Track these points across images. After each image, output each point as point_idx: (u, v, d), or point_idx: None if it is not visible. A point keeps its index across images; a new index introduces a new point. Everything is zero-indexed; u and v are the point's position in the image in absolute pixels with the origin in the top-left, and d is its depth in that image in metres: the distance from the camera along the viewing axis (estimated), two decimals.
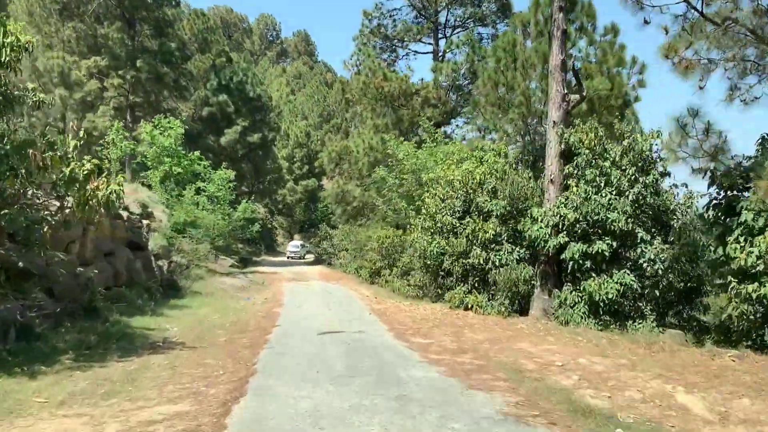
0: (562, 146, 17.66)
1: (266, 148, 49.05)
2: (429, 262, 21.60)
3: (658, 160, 16.71)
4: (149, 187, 30.10)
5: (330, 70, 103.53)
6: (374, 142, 35.50)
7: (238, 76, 47.55)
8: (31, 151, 10.07)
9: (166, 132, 27.85)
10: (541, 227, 17.21)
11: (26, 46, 10.77)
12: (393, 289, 30.20)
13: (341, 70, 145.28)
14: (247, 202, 41.21)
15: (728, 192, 14.07)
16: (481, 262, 19.05)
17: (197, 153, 29.50)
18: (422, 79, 40.14)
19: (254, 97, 49.35)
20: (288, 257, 57.98)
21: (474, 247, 19.29)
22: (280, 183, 69.65)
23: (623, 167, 16.44)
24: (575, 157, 17.53)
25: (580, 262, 16.10)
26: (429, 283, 22.61)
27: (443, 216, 20.79)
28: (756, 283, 12.26)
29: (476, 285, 19.81)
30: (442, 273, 21.53)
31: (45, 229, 11.19)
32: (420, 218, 22.54)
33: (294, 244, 61.84)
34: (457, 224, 20.28)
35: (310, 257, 60.42)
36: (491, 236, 18.92)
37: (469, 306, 19.05)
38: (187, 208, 27.51)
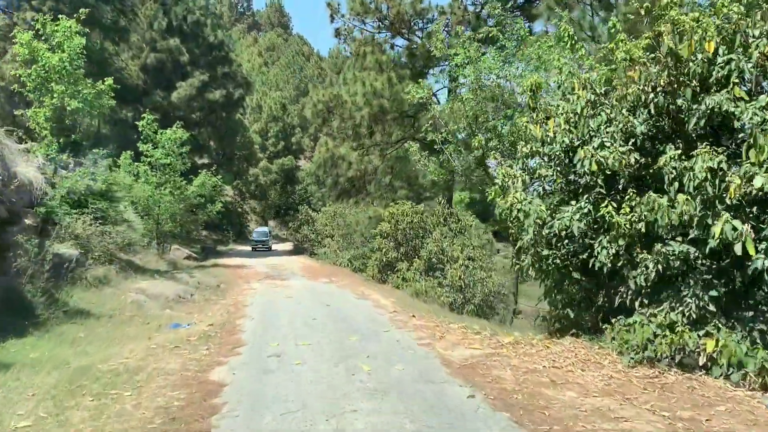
0: None
1: (232, 109, 37.73)
2: (548, 254, 9.99)
3: None
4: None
5: (306, 44, 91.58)
6: (379, 83, 24.44)
7: (193, 15, 35.96)
8: None
9: (56, 41, 16.45)
10: None
11: None
12: (416, 291, 19.53)
13: (318, 43, 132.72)
14: (206, 173, 29.81)
15: None
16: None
17: (110, 81, 18.16)
18: None
19: (215, 43, 37.90)
20: (252, 247, 45.71)
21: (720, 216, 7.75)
22: (251, 160, 58.14)
23: None
24: None
25: None
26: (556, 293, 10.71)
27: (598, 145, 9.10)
28: None
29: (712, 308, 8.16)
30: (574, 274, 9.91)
31: None
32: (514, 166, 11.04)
33: (261, 231, 48.67)
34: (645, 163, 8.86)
35: (286, 246, 49.14)
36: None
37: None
38: (84, 172, 16.14)
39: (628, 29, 11.23)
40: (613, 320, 8.23)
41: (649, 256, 7.60)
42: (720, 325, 7.11)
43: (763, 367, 6.58)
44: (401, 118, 26.80)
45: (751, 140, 6.78)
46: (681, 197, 7.21)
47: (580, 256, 8.92)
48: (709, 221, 7.00)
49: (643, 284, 7.69)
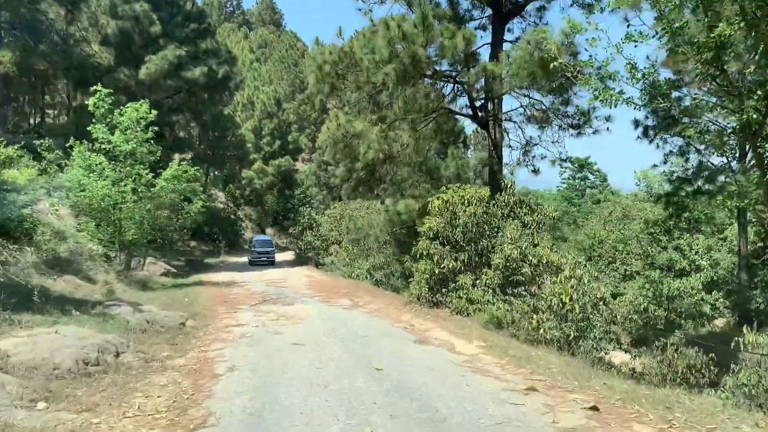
0: None
1: (216, 92, 30.41)
2: None
3: None
4: None
5: (300, 40, 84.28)
6: (408, 26, 17.09)
7: None
8: None
9: None
10: None
11: None
12: (494, 319, 12.31)
13: (312, 41, 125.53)
14: (181, 164, 22.39)
15: None
16: None
17: None
18: None
19: (193, 12, 30.54)
20: (251, 260, 35.36)
21: None
22: (244, 161, 50.76)
23: None
24: None
25: None
26: None
27: None
28: None
29: None
30: None
31: None
32: None
33: (262, 240, 37.68)
34: None
35: (286, 256, 41.37)
36: None
37: None
38: None
39: None
40: None
41: None
42: None
43: None
44: (438, 80, 19.52)
45: None
46: None
47: None
48: None
49: None
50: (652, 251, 25.96)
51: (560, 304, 11.39)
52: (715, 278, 23.00)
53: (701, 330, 21.67)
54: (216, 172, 52.71)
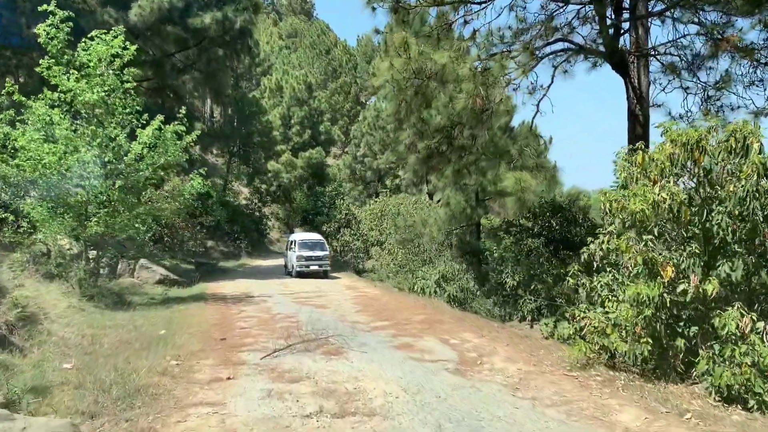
0: None
1: (232, 47, 22.96)
2: None
3: None
4: None
5: (331, 31, 76.82)
6: None
7: None
8: None
9: None
10: None
11: None
12: None
13: (344, 34, 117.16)
14: (176, 125, 14.85)
15: None
16: None
17: None
18: None
19: None
20: (293, 270, 23.56)
21: None
22: (270, 151, 43.40)
23: None
24: None
25: None
26: None
27: None
28: None
29: None
30: None
31: None
32: None
33: (308, 239, 25.00)
34: None
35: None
36: None
37: None
38: None
39: None
40: None
41: None
42: None
43: None
44: None
45: None
46: None
47: None
48: None
49: None
50: None
51: None
52: None
53: None
54: (239, 165, 45.41)
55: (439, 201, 32.07)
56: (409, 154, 15.14)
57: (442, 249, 22.32)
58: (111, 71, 14.31)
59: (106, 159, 14.04)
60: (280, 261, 33.93)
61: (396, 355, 8.27)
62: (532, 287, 13.13)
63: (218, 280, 22.54)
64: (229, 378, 6.91)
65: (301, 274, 23.10)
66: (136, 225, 15.90)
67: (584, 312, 11.91)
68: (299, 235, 25.67)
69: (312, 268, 23.31)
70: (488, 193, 22.64)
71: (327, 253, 24.23)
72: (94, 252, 16.85)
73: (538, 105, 13.95)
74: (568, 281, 8.72)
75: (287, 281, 21.73)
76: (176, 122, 15.20)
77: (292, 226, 50.82)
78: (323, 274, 23.63)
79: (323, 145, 50.06)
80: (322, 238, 25.93)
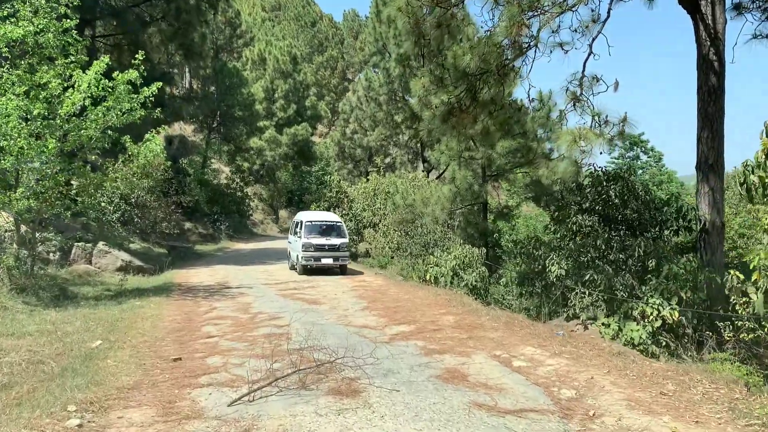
0: None
1: None
2: None
3: None
4: None
5: (316, 5, 72.75)
6: None
7: None
8: None
9: None
10: None
11: None
12: None
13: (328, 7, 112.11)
14: (130, 73, 11.34)
15: None
16: None
17: None
18: None
19: None
20: (299, 263, 17.03)
21: None
22: (253, 126, 39.78)
23: None
24: None
25: None
26: None
27: None
28: None
29: None
30: None
31: None
32: None
33: (319, 221, 18.10)
34: None
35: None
36: None
37: None
38: None
39: None
40: None
41: None
42: None
43: None
44: None
45: None
46: None
47: None
48: None
49: None
50: None
51: None
52: None
53: None
54: (219, 142, 41.67)
55: (438, 178, 28.97)
56: (423, 109, 11.81)
57: (446, 231, 19.34)
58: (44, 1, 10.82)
59: (35, 112, 10.56)
60: (264, 244, 30.52)
61: (447, 396, 5.07)
62: (587, 277, 10.00)
63: (193, 266, 19.21)
64: None
65: (307, 270, 16.85)
66: (88, 200, 12.54)
67: (658, 308, 8.90)
68: (307, 215, 18.59)
69: (324, 261, 16.76)
70: (498, 168, 19.64)
71: (346, 241, 17.70)
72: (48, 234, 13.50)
73: (590, 45, 10.68)
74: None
75: (272, 268, 18.40)
76: (131, 70, 11.71)
77: (276, 207, 47.33)
78: (340, 270, 17.29)
79: (309, 121, 46.52)
80: (339, 219, 19.17)
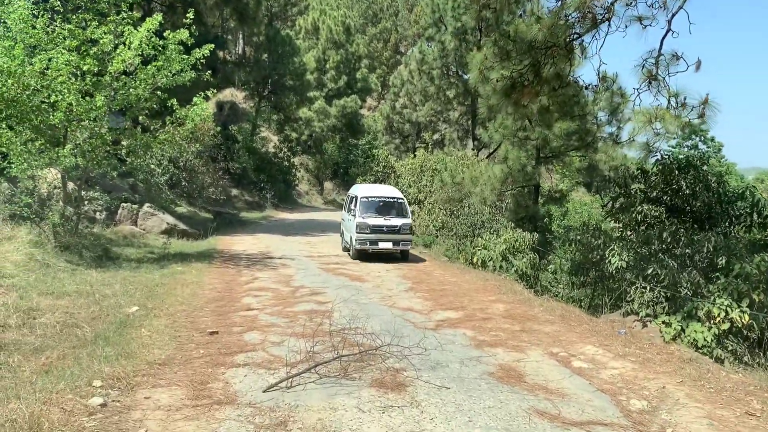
0: None
1: None
2: None
3: None
4: None
5: None
6: None
7: None
8: None
9: None
10: None
11: None
12: None
13: None
14: (181, 32, 11.00)
15: None
16: None
17: None
18: None
19: None
20: (353, 245, 14.20)
21: None
22: (303, 96, 39.33)
23: None
24: None
25: None
26: None
27: None
28: None
29: None
30: None
31: None
32: None
33: (376, 198, 15.18)
34: None
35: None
36: None
37: None
38: None
39: None
40: None
41: None
42: None
43: None
44: None
45: None
46: None
47: None
48: None
49: None
50: None
51: None
52: None
53: None
54: (269, 111, 41.49)
55: (488, 158, 28.05)
56: (482, 83, 11.08)
57: (494, 212, 18.65)
58: None
59: (85, 68, 10.34)
60: (308, 215, 30.30)
61: (504, 400, 4.54)
62: (650, 271, 9.23)
63: (237, 233, 19.10)
64: None
65: (362, 255, 14.16)
66: (137, 161, 12.42)
67: (726, 309, 8.12)
68: (363, 189, 15.87)
69: (382, 246, 13.97)
70: (553, 150, 18.72)
71: (409, 221, 14.77)
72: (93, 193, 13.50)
73: (669, 21, 9.69)
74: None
75: (315, 240, 18.09)
76: (183, 30, 11.36)
77: (321, 179, 47.15)
78: (401, 256, 14.61)
79: (359, 94, 45.83)
80: (400, 195, 16.12)
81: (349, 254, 14.74)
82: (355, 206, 14.51)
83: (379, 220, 14.16)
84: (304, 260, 13.18)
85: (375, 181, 24.17)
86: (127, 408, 3.97)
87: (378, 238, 13.94)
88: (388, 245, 14.02)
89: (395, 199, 15.33)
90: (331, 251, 15.32)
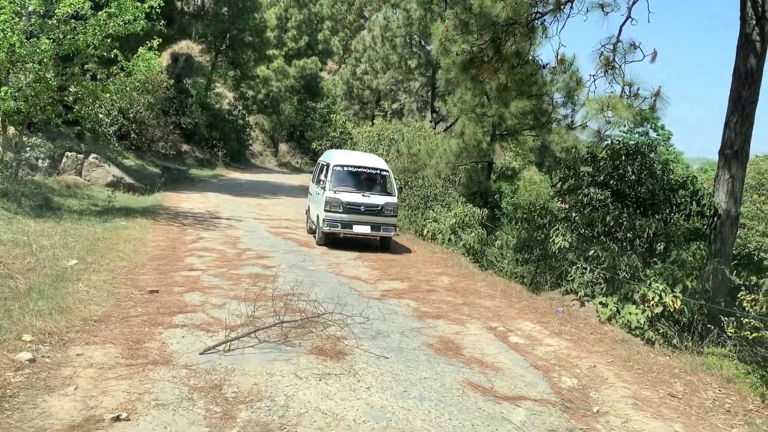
0: None
1: None
2: None
3: None
4: None
5: None
6: None
7: None
8: None
9: None
10: None
11: None
12: None
13: None
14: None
15: None
16: None
17: None
18: None
19: None
20: (320, 226, 10.92)
21: None
22: (261, 53, 38.23)
23: None
24: None
25: None
26: None
27: None
28: None
29: None
30: None
31: None
32: None
33: (353, 168, 11.78)
34: None
35: (300, 180, 28.15)
36: None
37: None
38: None
39: None
40: None
41: None
42: None
43: None
44: None
45: None
46: None
47: None
48: None
49: None
50: None
51: None
52: None
53: None
54: (225, 67, 40.19)
55: (445, 131, 28.11)
56: (443, 55, 11.03)
57: (447, 186, 18.78)
58: None
59: (31, 8, 9.72)
60: (260, 176, 29.80)
61: (440, 372, 4.64)
62: (591, 253, 9.53)
63: (185, 190, 18.62)
64: (118, 418, 3.20)
65: (331, 238, 11.13)
66: (84, 109, 11.82)
67: (661, 293, 8.49)
68: (339, 156, 12.56)
69: (357, 229, 10.99)
70: (509, 127, 18.93)
71: (394, 201, 11.58)
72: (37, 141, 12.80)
73: (630, 8, 9.85)
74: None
75: (265, 202, 17.85)
76: None
77: (277, 140, 46.34)
78: (380, 244, 11.64)
79: (320, 56, 45.03)
80: (385, 166, 12.60)
81: (315, 238, 11.63)
82: (326, 177, 11.29)
83: (356, 197, 11.07)
84: (253, 222, 13.00)
85: (330, 147, 23.92)
86: (57, 364, 3.86)
87: (352, 220, 10.90)
88: (365, 229, 11.08)
89: (379, 171, 12.06)
90: (282, 215, 15.15)
